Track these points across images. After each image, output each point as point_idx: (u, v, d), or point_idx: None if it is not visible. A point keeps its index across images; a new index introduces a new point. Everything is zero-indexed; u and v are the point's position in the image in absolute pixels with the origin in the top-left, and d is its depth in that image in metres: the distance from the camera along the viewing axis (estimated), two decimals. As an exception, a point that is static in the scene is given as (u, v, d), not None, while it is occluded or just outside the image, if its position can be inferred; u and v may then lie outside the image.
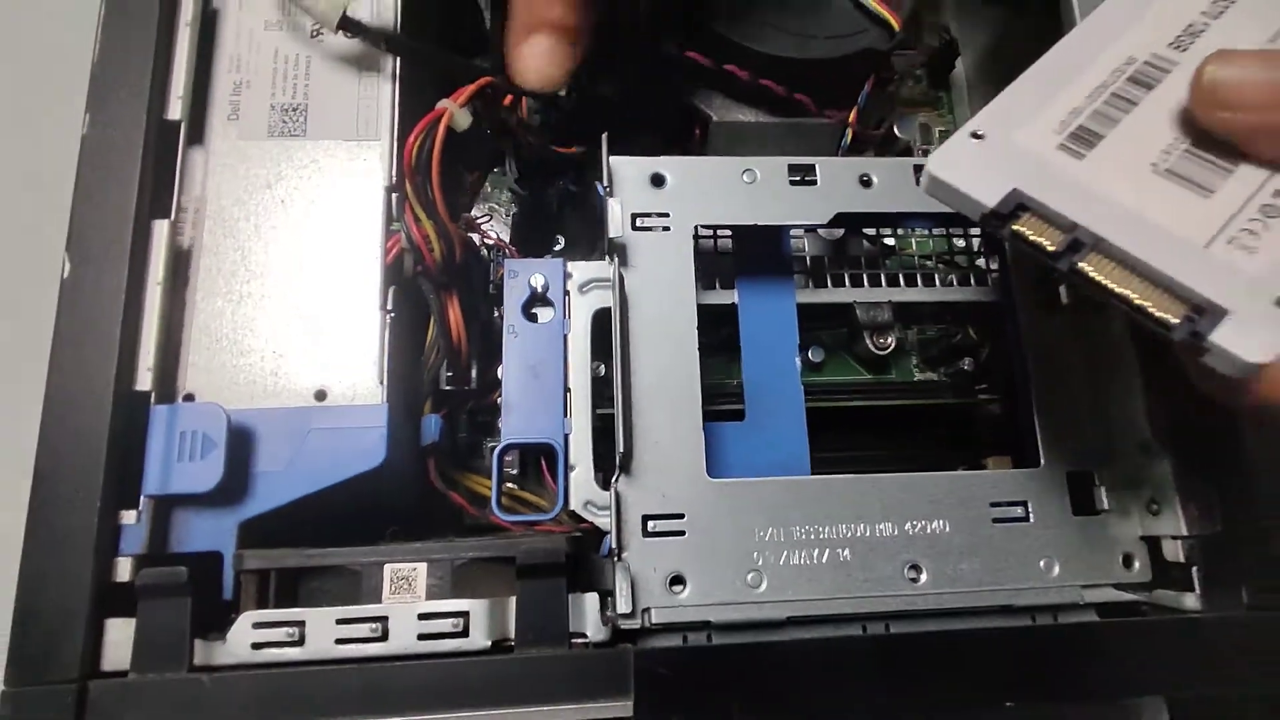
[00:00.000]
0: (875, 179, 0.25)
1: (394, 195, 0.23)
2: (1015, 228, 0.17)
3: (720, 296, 0.27)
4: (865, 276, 0.28)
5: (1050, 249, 0.17)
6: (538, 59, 0.23)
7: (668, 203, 0.24)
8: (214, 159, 0.22)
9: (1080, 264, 0.17)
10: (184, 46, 0.22)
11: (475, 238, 0.28)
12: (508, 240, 0.30)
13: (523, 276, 0.25)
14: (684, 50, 0.27)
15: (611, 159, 0.24)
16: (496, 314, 0.27)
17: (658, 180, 0.24)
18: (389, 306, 0.22)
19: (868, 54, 0.27)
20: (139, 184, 0.21)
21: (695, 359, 0.23)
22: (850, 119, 0.28)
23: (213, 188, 0.22)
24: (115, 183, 0.20)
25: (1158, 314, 0.16)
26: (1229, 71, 0.17)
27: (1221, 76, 0.17)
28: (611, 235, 0.23)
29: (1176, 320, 0.16)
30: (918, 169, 0.25)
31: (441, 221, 0.23)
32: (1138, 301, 0.16)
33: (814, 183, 0.25)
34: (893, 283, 0.28)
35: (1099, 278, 0.17)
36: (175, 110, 0.22)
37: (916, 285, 0.28)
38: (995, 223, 0.17)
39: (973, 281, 0.28)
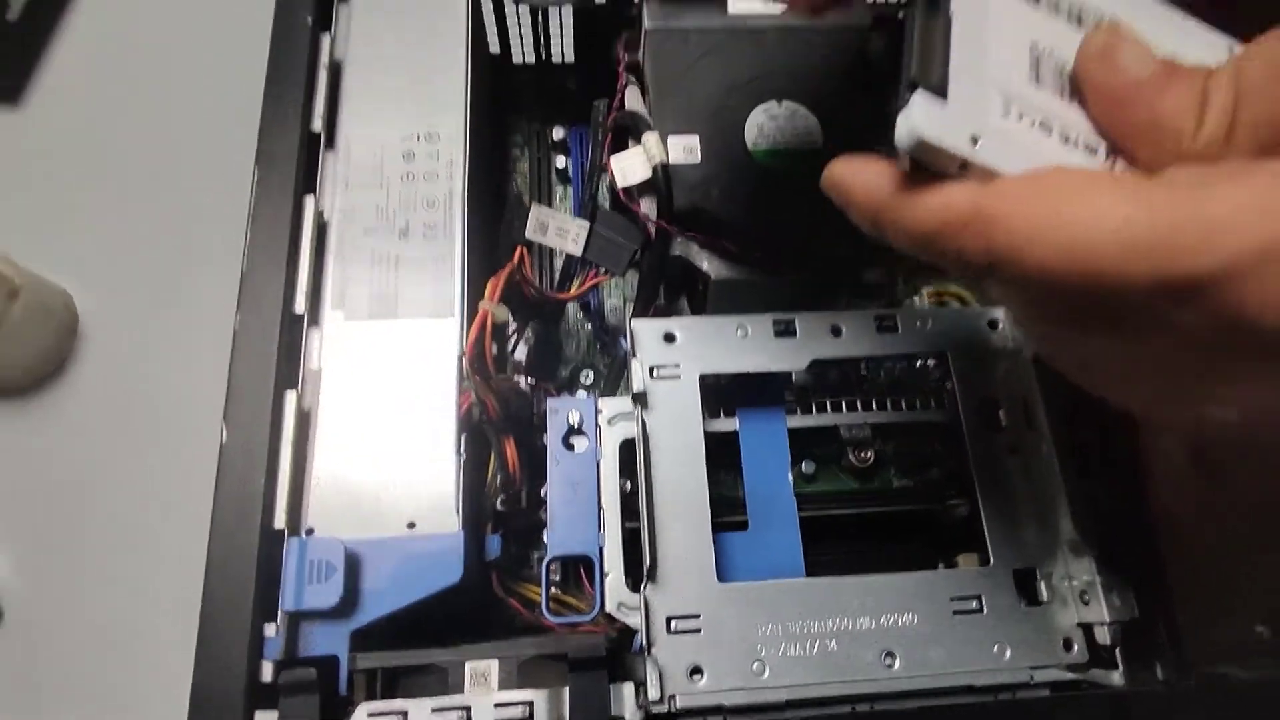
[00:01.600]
0: (844, 328, 0.31)
1: (463, 360, 0.29)
2: None
3: (724, 424, 0.32)
4: (844, 403, 0.34)
5: None
6: None
7: (678, 355, 0.30)
8: (327, 339, 0.29)
9: None
10: (305, 253, 0.29)
11: (521, 379, 0.34)
12: (524, 361, 0.36)
13: (562, 413, 0.31)
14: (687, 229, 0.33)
15: (633, 321, 0.31)
16: (541, 441, 0.33)
17: (670, 337, 0.31)
18: (462, 451, 0.28)
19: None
20: (275, 364, 0.27)
21: (704, 483, 0.29)
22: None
23: (327, 361, 0.29)
24: (258, 364, 0.27)
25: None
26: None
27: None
28: (635, 390, 0.29)
29: (917, 77, 0.18)
30: (879, 318, 0.32)
31: (498, 383, 0.29)
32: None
33: (794, 334, 0.31)
34: (867, 406, 0.33)
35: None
36: (299, 305, 0.28)
37: (886, 409, 0.33)
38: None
39: (932, 404, 0.33)
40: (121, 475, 0.37)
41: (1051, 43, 0.21)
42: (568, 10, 0.38)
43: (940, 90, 0.19)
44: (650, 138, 0.32)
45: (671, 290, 0.37)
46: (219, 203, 0.39)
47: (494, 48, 0.41)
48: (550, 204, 0.40)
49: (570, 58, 0.41)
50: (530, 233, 0.32)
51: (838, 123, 0.35)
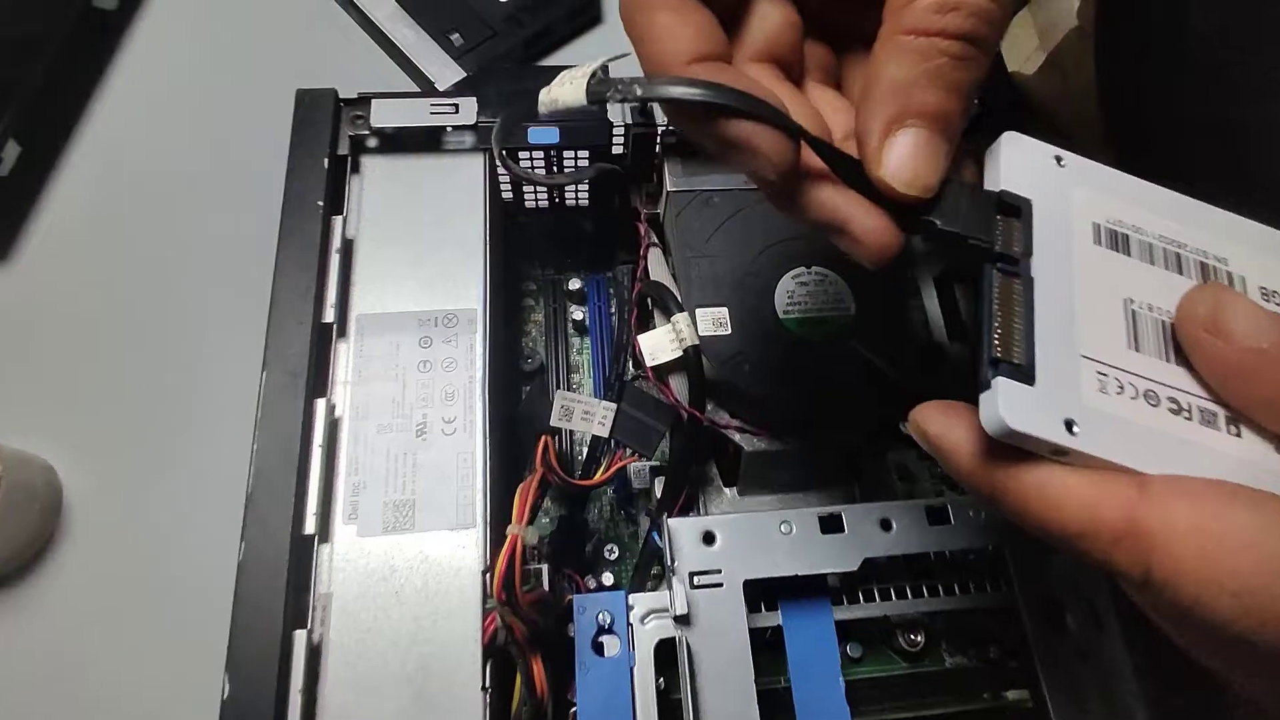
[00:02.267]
0: (894, 522, 0.29)
1: (487, 576, 0.27)
2: None
3: (767, 619, 0.30)
4: (893, 590, 0.31)
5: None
6: (912, 156, 0.18)
7: (719, 559, 0.28)
8: (338, 557, 0.27)
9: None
10: (316, 465, 0.27)
11: (544, 569, 0.32)
12: (546, 543, 0.34)
13: (590, 613, 0.28)
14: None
15: (669, 521, 0.28)
16: (567, 633, 0.30)
17: (709, 538, 0.29)
18: (487, 685, 0.25)
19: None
20: (284, 597, 0.25)
21: (752, 693, 0.26)
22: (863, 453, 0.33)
23: (338, 584, 0.26)
24: (268, 596, 0.25)
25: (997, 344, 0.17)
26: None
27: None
28: (678, 613, 0.27)
29: (1000, 355, 0.17)
30: (930, 510, 0.30)
31: (524, 599, 0.27)
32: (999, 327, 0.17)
33: (841, 529, 0.29)
34: (917, 592, 0.31)
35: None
36: (309, 525, 0.26)
37: (939, 594, 0.31)
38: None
39: (988, 587, 0.31)
40: (113, 666, 0.34)
41: (1149, 297, 0.19)
42: (583, 154, 0.37)
43: (1026, 372, 0.17)
44: (681, 320, 0.31)
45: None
46: (224, 383, 0.37)
47: (506, 194, 0.40)
48: (568, 358, 0.39)
49: (585, 201, 0.40)
50: (556, 420, 0.30)
51: (870, 288, 0.34)
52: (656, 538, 0.29)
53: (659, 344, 0.31)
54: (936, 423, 0.19)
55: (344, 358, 0.29)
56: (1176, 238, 0.20)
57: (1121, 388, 0.18)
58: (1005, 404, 0.17)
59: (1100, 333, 0.18)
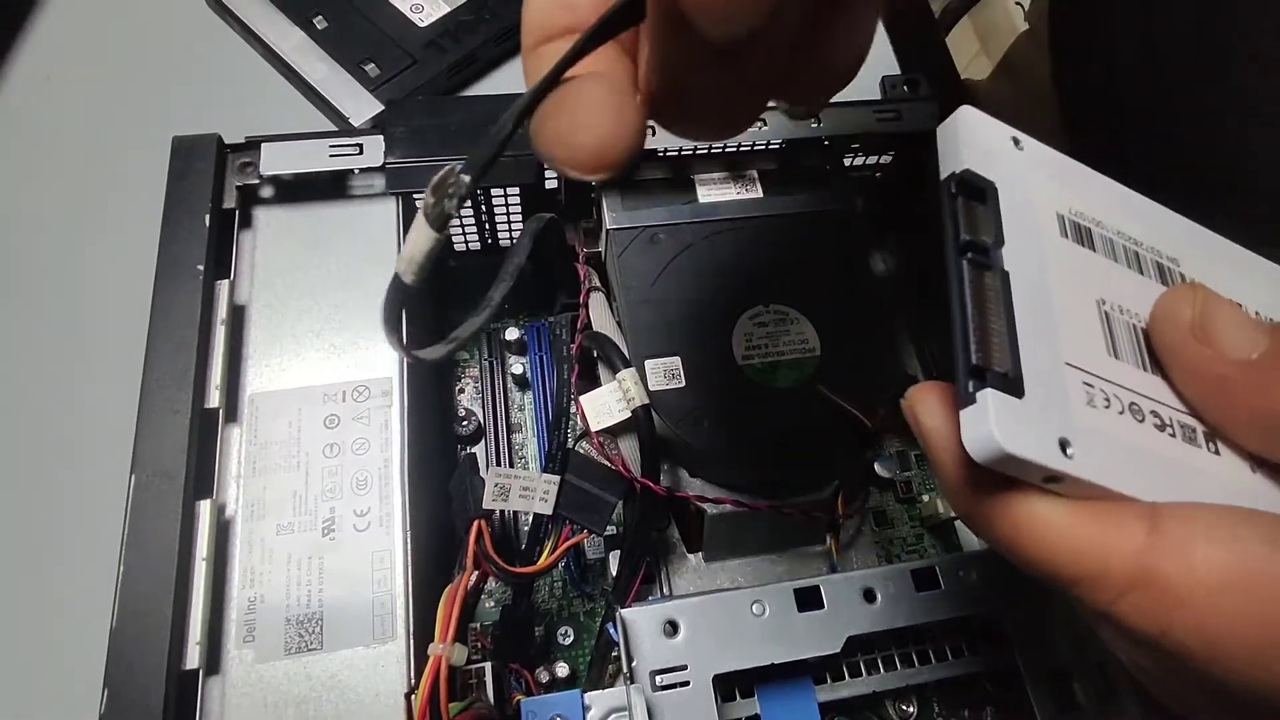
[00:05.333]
0: (878, 592, 0.26)
1: (411, 698, 0.23)
2: None
3: (742, 709, 0.27)
4: (880, 660, 0.28)
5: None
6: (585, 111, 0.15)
7: (684, 653, 0.25)
8: (232, 690, 0.22)
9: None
10: (200, 581, 0.23)
11: (486, 669, 0.28)
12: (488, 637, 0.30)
13: (542, 716, 0.24)
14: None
15: (624, 612, 0.25)
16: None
17: (671, 628, 0.25)
18: (417, 835, 0.21)
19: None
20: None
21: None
22: (838, 510, 0.30)
23: (231, 725, 0.22)
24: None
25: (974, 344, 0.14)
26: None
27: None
28: (637, 726, 0.23)
29: (982, 362, 0.14)
30: (915, 575, 0.26)
31: (464, 721, 0.23)
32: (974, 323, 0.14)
33: (821, 606, 0.26)
34: (907, 661, 0.28)
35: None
36: (192, 658, 0.22)
37: (931, 661, 0.28)
38: None
39: (982, 649, 0.28)
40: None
41: (1118, 298, 0.16)
42: (513, 192, 0.34)
43: (1014, 383, 0.14)
44: (627, 376, 0.27)
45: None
46: (89, 497, 0.31)
47: (432, 237, 0.36)
48: (509, 417, 0.35)
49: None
50: (490, 502, 0.26)
51: (835, 321, 0.30)
52: (612, 630, 0.25)
53: (604, 405, 0.27)
54: (932, 414, 0.16)
55: (235, 447, 0.25)
56: (1133, 235, 0.18)
57: (1108, 401, 0.15)
58: (998, 421, 0.13)
59: (1081, 337, 0.15)
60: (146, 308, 0.25)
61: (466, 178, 0.15)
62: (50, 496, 0.33)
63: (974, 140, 0.17)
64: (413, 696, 0.23)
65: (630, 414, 0.27)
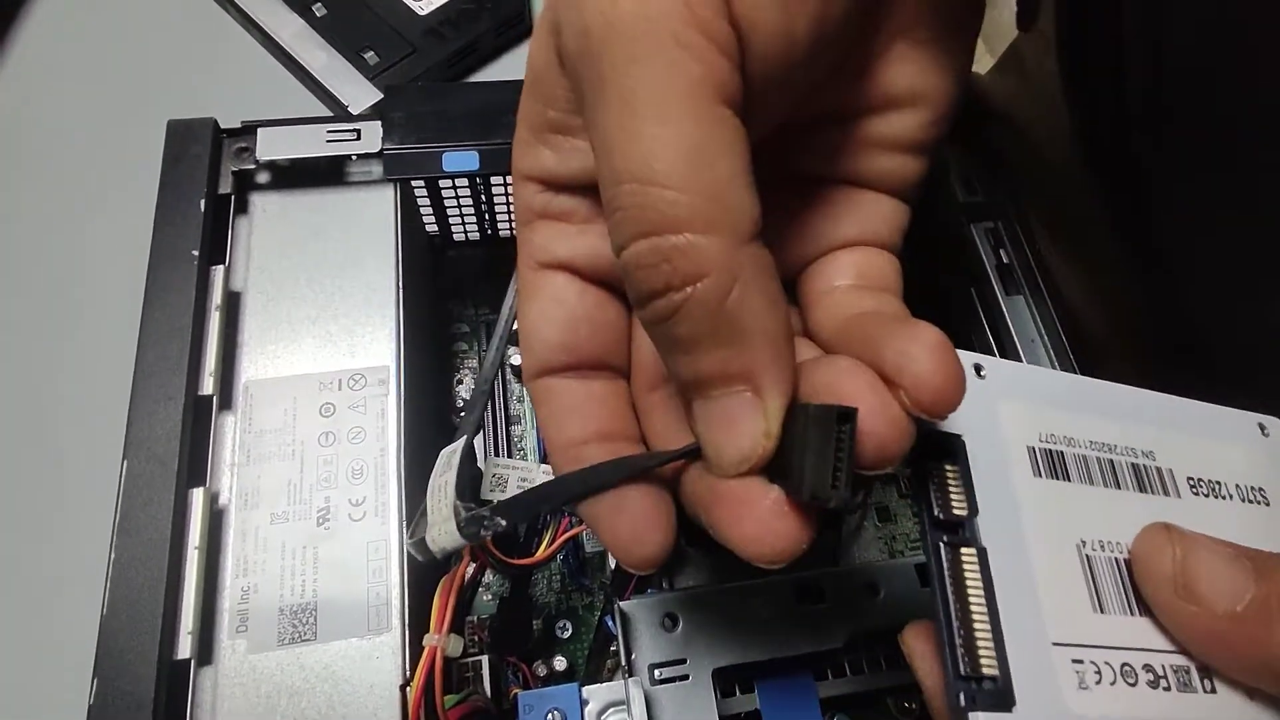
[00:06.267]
0: (882, 587, 0.26)
1: (405, 690, 0.22)
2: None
3: (742, 704, 0.26)
4: (883, 659, 0.28)
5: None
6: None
7: (683, 646, 0.24)
8: (225, 681, 0.22)
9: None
10: (192, 569, 0.22)
11: (484, 660, 0.27)
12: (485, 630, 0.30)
13: (539, 711, 0.24)
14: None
15: (622, 604, 0.24)
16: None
17: (670, 621, 0.25)
18: (411, 828, 0.21)
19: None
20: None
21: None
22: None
23: (225, 714, 0.22)
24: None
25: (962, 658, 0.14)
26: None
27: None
28: (637, 718, 0.22)
29: (969, 670, 0.14)
30: (920, 570, 0.26)
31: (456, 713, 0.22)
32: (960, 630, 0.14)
33: (823, 600, 0.25)
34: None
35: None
36: (184, 648, 0.21)
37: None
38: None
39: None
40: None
41: (1098, 532, 0.16)
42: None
43: (1003, 692, 0.14)
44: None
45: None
46: (82, 484, 0.31)
47: (430, 226, 0.35)
48: (508, 408, 0.34)
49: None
50: (488, 493, 0.26)
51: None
52: (610, 623, 0.25)
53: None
54: (924, 660, 0.16)
55: (229, 435, 0.25)
56: (1106, 439, 0.18)
57: (1099, 674, 0.15)
58: None
59: (1065, 604, 0.15)
60: (140, 293, 0.25)
61: (503, 521, 0.18)
62: (41, 482, 0.32)
63: None
64: (408, 688, 0.22)
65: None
